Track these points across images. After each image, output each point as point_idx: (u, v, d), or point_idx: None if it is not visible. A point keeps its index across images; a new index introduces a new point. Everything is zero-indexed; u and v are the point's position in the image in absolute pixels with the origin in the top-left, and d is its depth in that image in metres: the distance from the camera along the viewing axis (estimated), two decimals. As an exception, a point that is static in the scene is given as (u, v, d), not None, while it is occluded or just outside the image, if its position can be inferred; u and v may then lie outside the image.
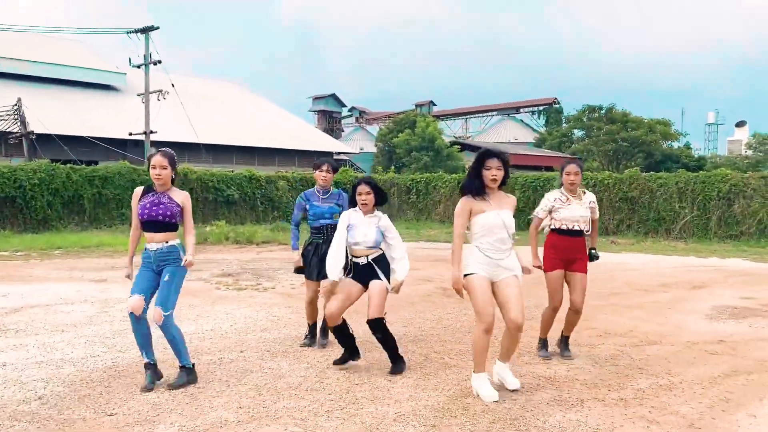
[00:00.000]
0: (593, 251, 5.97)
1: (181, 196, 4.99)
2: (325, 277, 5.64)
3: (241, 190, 24.14)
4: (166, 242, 4.87)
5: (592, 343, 6.42)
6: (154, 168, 4.89)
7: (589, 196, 5.90)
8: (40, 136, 30.93)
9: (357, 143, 64.31)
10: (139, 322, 4.79)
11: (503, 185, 4.86)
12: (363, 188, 5.44)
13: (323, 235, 6.14)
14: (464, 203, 4.75)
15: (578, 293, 5.76)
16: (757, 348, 6.29)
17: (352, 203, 5.57)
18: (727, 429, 4.18)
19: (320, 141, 47.44)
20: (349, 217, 5.47)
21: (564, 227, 5.70)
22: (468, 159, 45.72)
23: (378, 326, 5.27)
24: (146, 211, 4.86)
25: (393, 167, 39.48)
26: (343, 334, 5.46)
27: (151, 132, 31.03)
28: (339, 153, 48.77)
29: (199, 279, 11.09)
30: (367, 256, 5.43)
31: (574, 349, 6.23)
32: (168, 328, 4.83)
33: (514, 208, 4.91)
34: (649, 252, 16.63)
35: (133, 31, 31.58)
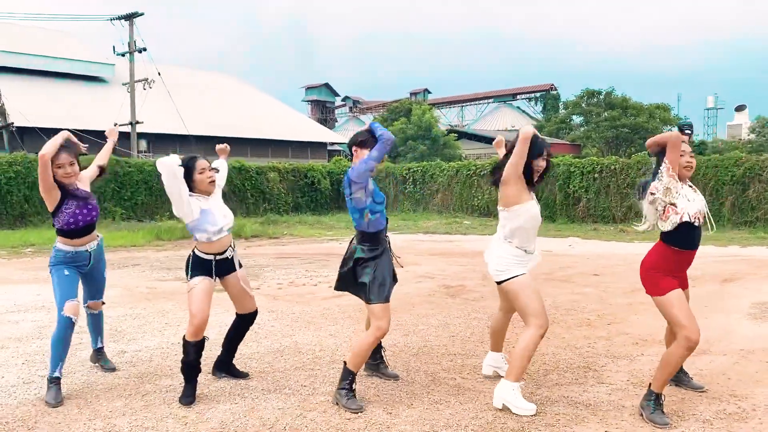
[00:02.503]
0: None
1: (85, 177, 4.67)
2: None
3: (230, 181, 22.77)
4: (98, 235, 4.68)
5: (629, 354, 5.40)
6: (62, 167, 4.32)
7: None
8: (23, 129, 29.78)
9: (351, 133, 63.04)
10: (72, 328, 4.41)
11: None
12: (204, 163, 4.31)
13: (385, 241, 4.32)
14: None
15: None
16: (825, 357, 5.28)
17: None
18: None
19: (313, 131, 46.38)
20: (199, 203, 4.25)
21: (696, 222, 3.91)
22: (465, 147, 44.67)
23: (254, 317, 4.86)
24: (80, 218, 4.43)
25: (388, 156, 38.36)
26: (200, 354, 4.32)
27: (137, 123, 29.85)
28: (333, 143, 47.72)
29: (178, 278, 10.04)
30: (231, 246, 4.53)
31: (606, 360, 5.23)
32: (102, 314, 5.05)
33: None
34: (662, 241, 15.56)
35: (116, 18, 30.35)
